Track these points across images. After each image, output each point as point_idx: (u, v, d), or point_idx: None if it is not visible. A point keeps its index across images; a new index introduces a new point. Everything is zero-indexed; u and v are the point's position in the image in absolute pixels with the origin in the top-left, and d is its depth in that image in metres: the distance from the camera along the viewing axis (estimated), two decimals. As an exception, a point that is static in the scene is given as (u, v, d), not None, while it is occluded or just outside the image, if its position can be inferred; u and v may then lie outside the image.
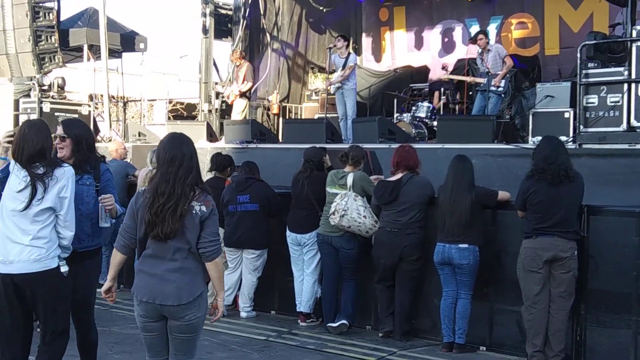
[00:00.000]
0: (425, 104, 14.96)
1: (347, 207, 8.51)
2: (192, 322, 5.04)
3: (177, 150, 5.01)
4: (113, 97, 18.47)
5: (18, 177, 5.49)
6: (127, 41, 18.01)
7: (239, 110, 15.76)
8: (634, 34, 9.55)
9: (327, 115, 14.34)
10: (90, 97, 17.83)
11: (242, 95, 15.79)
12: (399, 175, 8.45)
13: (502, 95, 13.08)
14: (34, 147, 5.52)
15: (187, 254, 5.00)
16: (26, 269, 5.43)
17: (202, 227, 5.02)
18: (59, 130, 6.05)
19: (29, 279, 5.41)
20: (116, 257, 5.20)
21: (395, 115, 15.48)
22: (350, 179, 8.71)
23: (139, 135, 15.41)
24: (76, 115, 15.56)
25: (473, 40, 13.66)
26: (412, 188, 8.35)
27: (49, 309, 5.58)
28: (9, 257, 5.47)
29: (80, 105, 16.48)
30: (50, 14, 15.82)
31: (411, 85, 17.34)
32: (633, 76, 9.46)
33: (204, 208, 5.00)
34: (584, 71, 9.94)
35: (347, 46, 14.21)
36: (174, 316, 4.99)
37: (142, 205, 5.01)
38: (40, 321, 5.67)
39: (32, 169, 5.47)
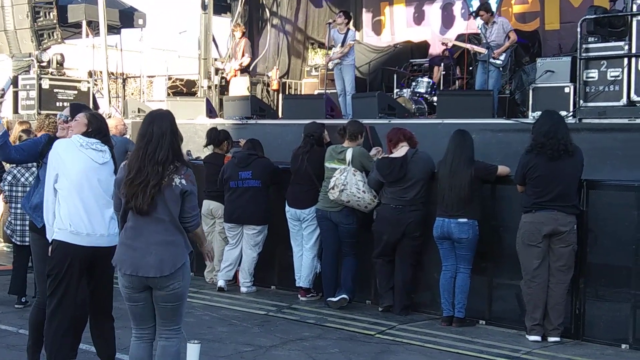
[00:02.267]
0: (425, 79, 14.91)
1: (347, 182, 8.51)
2: (176, 290, 5.12)
3: (147, 127, 5.15)
4: (112, 73, 18.39)
5: (97, 150, 5.86)
6: (126, 17, 17.88)
7: (242, 87, 15.80)
8: (635, 8, 9.50)
9: (327, 90, 14.32)
10: (90, 74, 17.75)
11: (243, 71, 15.84)
12: (403, 151, 8.42)
13: (501, 69, 12.93)
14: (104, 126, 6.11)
15: (168, 225, 5.09)
16: (112, 242, 5.66)
17: (183, 200, 5.13)
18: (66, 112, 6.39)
19: (109, 253, 5.53)
20: None
21: (395, 90, 15.43)
22: (349, 154, 8.70)
23: (139, 112, 15.35)
24: (75, 92, 15.54)
25: (475, 14, 13.54)
26: (417, 164, 8.34)
27: (111, 284, 6.01)
28: (98, 230, 5.78)
29: (79, 81, 16.41)
30: (49, -10, 15.76)
31: (411, 60, 17.26)
32: (633, 50, 9.43)
33: (184, 181, 5.11)
34: (584, 46, 9.90)
35: (348, 22, 14.14)
36: (158, 286, 5.08)
37: (120, 179, 5.16)
38: (101, 299, 6.01)
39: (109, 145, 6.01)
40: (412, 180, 8.28)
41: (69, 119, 6.22)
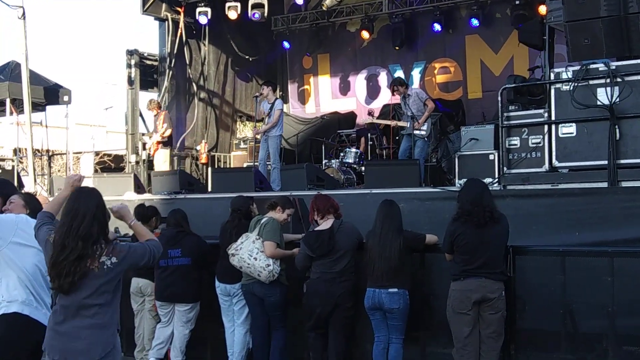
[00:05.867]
0: (353, 149, 15.08)
1: (241, 247, 8.51)
2: None
3: (72, 204, 5.11)
4: (38, 150, 18.20)
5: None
6: (51, 94, 17.74)
7: (162, 160, 15.75)
8: (552, 76, 9.77)
9: (256, 163, 14.35)
10: (14, 152, 17.54)
11: (164, 144, 15.82)
12: (329, 223, 8.37)
13: (426, 139, 13.20)
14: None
15: (99, 309, 5.01)
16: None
17: (131, 261, 5.19)
18: None
19: None
20: None
21: (324, 161, 15.58)
22: (262, 222, 8.72)
23: (65, 189, 15.15)
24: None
25: (391, 91, 13.87)
26: (344, 235, 8.26)
27: None
28: None
29: (3, 160, 16.22)
30: (-29, 69, 15.62)
31: (339, 131, 17.49)
32: (553, 117, 9.66)
33: (114, 259, 5.05)
34: (505, 114, 10.13)
35: (274, 90, 14.29)
36: None
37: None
38: None
39: None
40: (340, 252, 8.21)
41: None
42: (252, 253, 8.46)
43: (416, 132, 13.00)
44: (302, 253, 8.41)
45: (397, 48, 18.63)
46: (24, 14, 15.70)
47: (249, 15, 17.29)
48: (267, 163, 14.20)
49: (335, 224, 8.30)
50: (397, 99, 15.55)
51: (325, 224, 8.35)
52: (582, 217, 8.80)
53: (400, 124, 13.59)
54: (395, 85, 13.60)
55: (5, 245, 5.78)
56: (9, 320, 5.76)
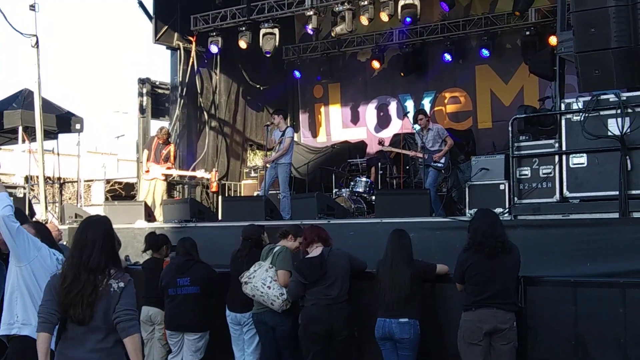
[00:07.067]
0: (364, 178, 15.10)
1: (254, 276, 8.49)
2: None
3: (80, 234, 5.15)
4: (49, 178, 18.24)
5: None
6: (63, 122, 17.81)
7: (162, 190, 15.74)
8: (563, 107, 9.78)
9: (258, 191, 14.37)
10: (26, 179, 17.58)
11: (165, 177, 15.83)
12: (318, 251, 8.34)
13: (442, 171, 13.39)
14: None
15: (106, 334, 5.02)
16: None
17: (129, 295, 5.10)
18: None
19: None
20: (45, 342, 5.08)
21: (334, 190, 15.59)
22: (274, 251, 8.71)
23: (76, 217, 15.16)
24: (11, 198, 15.31)
25: (414, 120, 13.95)
26: (335, 261, 8.24)
27: None
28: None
29: (15, 187, 16.24)
30: (-16, 97, 15.71)
31: (349, 160, 17.52)
32: (564, 148, 9.65)
33: (121, 284, 5.07)
34: (515, 144, 10.13)
35: (285, 119, 14.34)
36: None
37: (54, 287, 5.11)
38: None
39: None
40: (332, 278, 8.15)
41: None
42: (265, 281, 8.45)
43: (434, 164, 13.22)
44: (295, 281, 8.36)
45: (402, 74, 18.70)
46: (37, 42, 15.79)
47: (262, 51, 17.33)
48: (275, 191, 14.22)
49: (325, 251, 8.32)
50: (407, 128, 15.65)
51: (315, 252, 8.36)
52: (594, 247, 8.76)
53: (418, 154, 13.69)
54: (420, 114, 13.79)
55: (29, 261, 5.90)
56: (19, 344, 5.83)
